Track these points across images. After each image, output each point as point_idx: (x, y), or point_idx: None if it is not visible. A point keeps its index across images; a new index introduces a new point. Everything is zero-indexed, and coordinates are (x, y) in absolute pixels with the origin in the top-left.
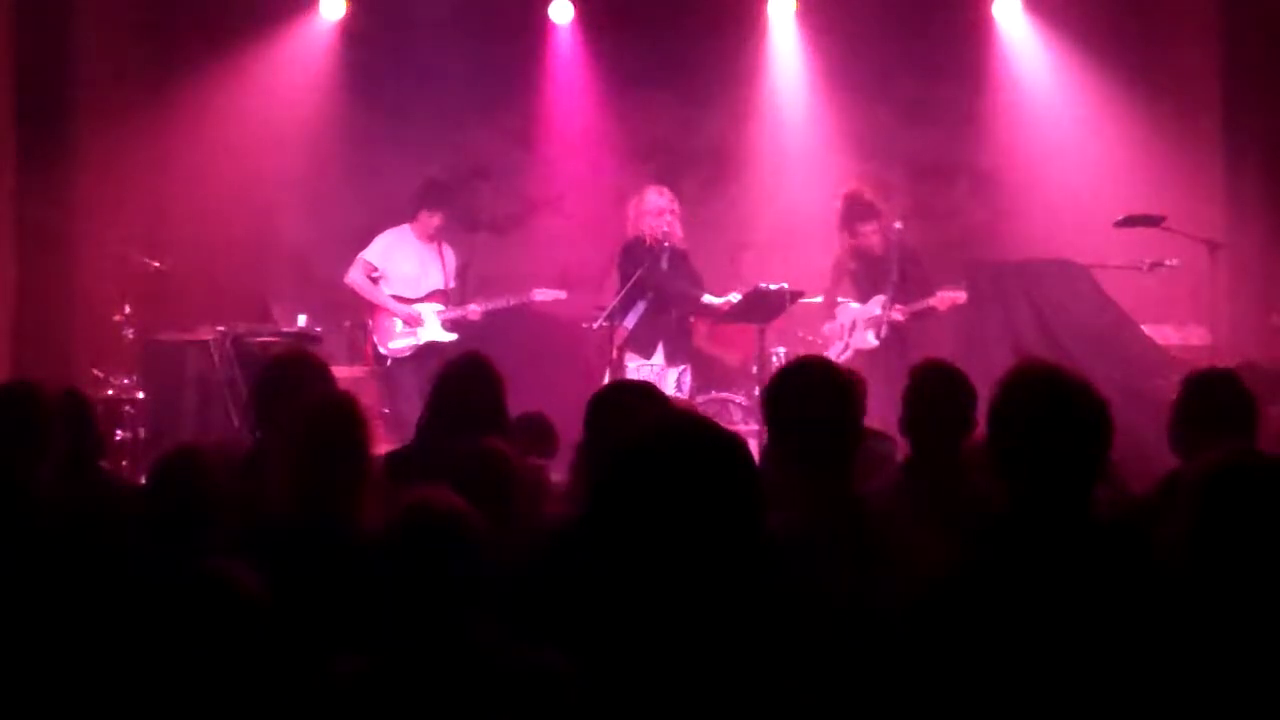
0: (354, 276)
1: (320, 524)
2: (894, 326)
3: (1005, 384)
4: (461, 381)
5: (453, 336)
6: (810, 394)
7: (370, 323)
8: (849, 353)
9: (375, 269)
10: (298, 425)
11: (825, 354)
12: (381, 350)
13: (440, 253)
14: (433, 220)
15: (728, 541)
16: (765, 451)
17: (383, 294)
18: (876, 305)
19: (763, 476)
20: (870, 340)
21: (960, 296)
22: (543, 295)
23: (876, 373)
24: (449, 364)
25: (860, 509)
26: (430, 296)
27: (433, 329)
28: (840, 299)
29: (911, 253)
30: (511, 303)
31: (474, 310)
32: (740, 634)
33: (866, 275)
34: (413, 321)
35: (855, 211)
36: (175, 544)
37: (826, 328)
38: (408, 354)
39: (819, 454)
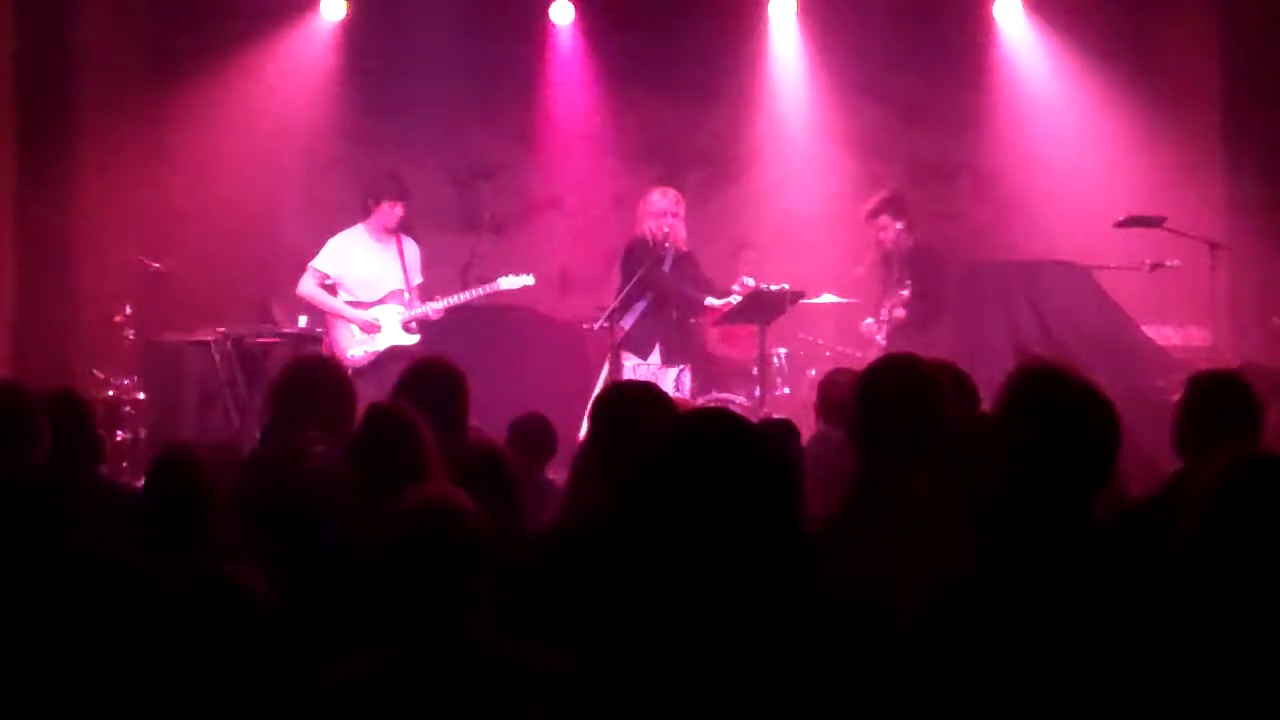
0: (306, 287)
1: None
2: (902, 324)
3: (1010, 385)
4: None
5: (414, 339)
6: (902, 395)
7: (326, 332)
8: (874, 352)
9: (328, 276)
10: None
11: (865, 353)
12: (342, 360)
13: (400, 249)
14: (395, 211)
15: (765, 541)
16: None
17: (337, 302)
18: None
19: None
20: (880, 340)
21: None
22: (509, 284)
23: None
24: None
25: (920, 507)
26: (388, 298)
27: (392, 333)
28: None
29: (923, 249)
30: (476, 294)
31: (435, 309)
32: (767, 635)
33: (894, 273)
34: (370, 328)
35: (880, 209)
36: (174, 545)
37: (865, 325)
38: (366, 362)
39: (899, 454)
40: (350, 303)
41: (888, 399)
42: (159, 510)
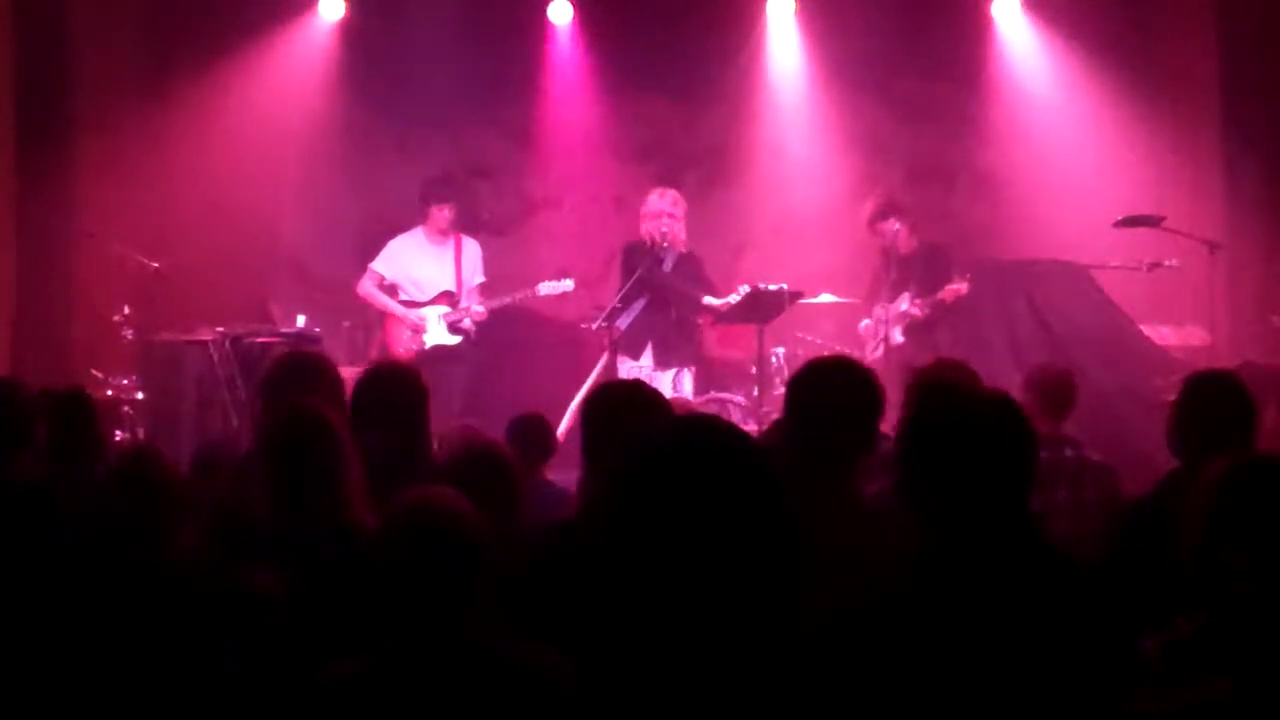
0: (364, 287)
1: (300, 529)
2: (917, 323)
3: (913, 412)
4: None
5: (458, 339)
6: (833, 391)
7: (382, 330)
8: (880, 351)
9: (384, 278)
10: (264, 437)
11: (861, 352)
12: (395, 357)
13: (457, 250)
14: (444, 214)
15: (750, 548)
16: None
17: (389, 301)
18: (904, 302)
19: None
20: (897, 337)
21: (962, 288)
22: (549, 289)
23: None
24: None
25: (860, 508)
26: (438, 299)
27: (437, 332)
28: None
29: (934, 249)
30: (517, 298)
31: (479, 310)
32: (752, 637)
33: (897, 274)
34: (417, 328)
35: (883, 210)
36: (133, 542)
37: (863, 326)
38: (414, 360)
39: (830, 451)
40: (403, 302)
41: (826, 400)
42: (119, 510)
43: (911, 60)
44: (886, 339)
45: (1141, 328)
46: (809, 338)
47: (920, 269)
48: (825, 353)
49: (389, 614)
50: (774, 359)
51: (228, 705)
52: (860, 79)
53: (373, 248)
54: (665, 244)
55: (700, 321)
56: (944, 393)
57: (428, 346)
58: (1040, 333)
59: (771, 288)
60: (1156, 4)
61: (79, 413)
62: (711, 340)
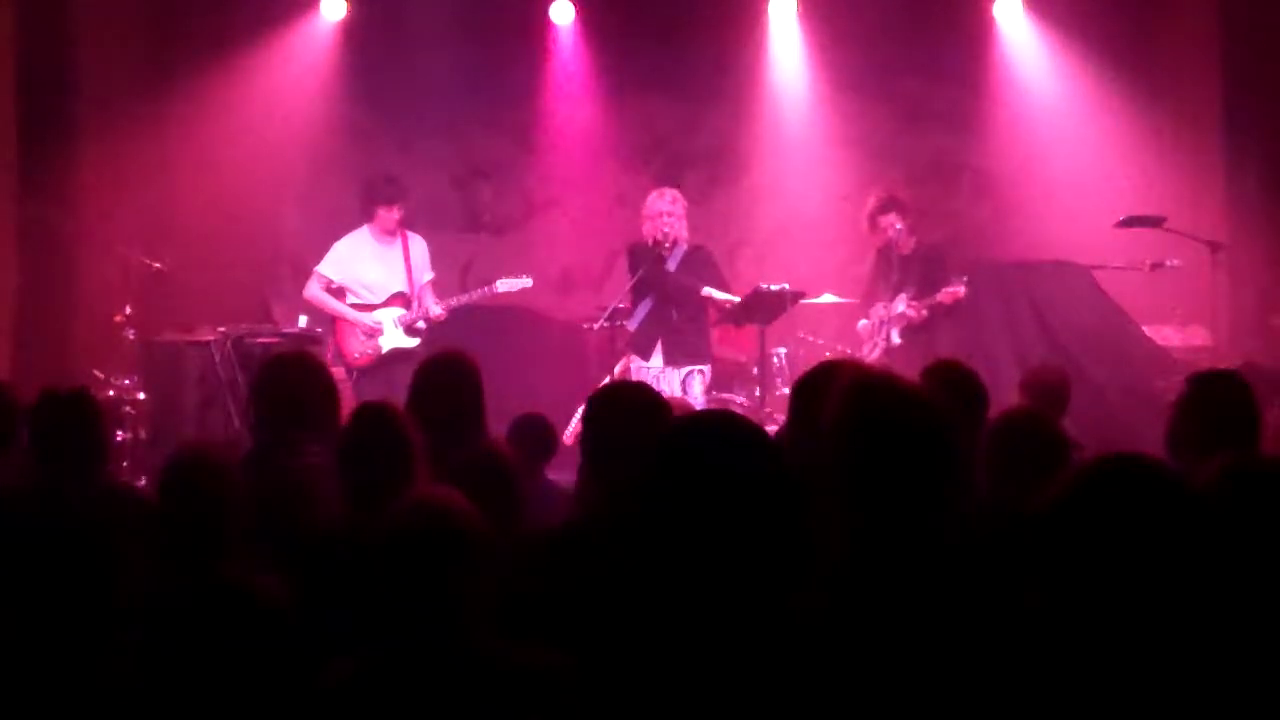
0: (311, 291)
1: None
2: (914, 324)
3: (841, 400)
4: (441, 381)
5: (415, 341)
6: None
7: (333, 335)
8: (877, 352)
9: (332, 281)
10: (349, 438)
11: (858, 353)
12: (348, 361)
13: (405, 249)
14: (392, 215)
15: (762, 547)
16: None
17: (340, 306)
18: (901, 303)
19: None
20: (895, 339)
21: (959, 290)
22: (507, 286)
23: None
24: (427, 366)
25: None
26: (391, 301)
27: (393, 336)
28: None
29: (932, 250)
30: (475, 297)
31: (437, 312)
32: (764, 637)
33: (896, 273)
34: (371, 332)
35: (884, 205)
36: (190, 551)
37: (861, 326)
38: (369, 364)
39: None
40: (355, 305)
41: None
42: (176, 518)
43: (912, 60)
44: (886, 340)
45: (1143, 328)
46: (811, 338)
47: (918, 270)
48: (827, 353)
49: (389, 615)
50: (776, 359)
51: (228, 705)
52: (861, 79)
53: None
54: (667, 244)
55: (705, 316)
56: (861, 392)
57: (385, 350)
58: (1041, 334)
59: (773, 288)
60: (1157, 4)
61: (84, 415)
62: (713, 340)
